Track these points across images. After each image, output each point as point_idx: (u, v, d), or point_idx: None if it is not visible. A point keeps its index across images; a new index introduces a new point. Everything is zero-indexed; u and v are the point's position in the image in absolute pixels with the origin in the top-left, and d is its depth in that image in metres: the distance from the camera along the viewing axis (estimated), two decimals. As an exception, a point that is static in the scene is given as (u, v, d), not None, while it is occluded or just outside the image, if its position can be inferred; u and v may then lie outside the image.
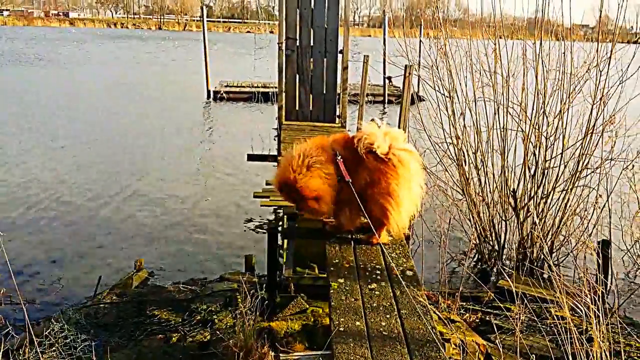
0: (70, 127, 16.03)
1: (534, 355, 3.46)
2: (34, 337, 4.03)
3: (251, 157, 9.72)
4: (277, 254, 5.39)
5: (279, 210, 8.09)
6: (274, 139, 10.92)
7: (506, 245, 7.18)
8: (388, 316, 3.45)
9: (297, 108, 10.21)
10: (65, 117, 17.33)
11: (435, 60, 7.24)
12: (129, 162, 12.47)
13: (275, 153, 9.36)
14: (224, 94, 21.91)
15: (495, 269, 6.79)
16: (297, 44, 9.57)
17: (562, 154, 6.90)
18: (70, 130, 15.54)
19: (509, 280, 5.35)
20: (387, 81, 19.75)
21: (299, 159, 3.89)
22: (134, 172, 11.78)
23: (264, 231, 6.30)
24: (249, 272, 6.65)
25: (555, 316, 3.29)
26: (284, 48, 9.48)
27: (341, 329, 3.35)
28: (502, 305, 4.62)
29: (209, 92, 22.16)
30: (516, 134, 7.23)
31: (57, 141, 14.26)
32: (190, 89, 23.44)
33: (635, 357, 4.32)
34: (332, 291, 4.12)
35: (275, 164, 8.98)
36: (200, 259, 7.61)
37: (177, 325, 5.30)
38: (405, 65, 6.55)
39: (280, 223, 6.01)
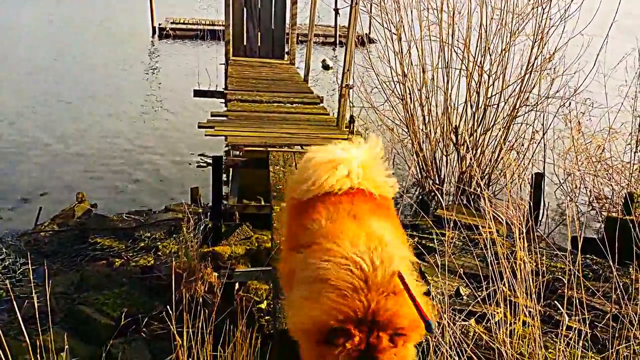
0: (4, 65, 15.22)
1: (461, 270, 3.68)
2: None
3: (197, 93, 9.55)
4: (222, 182, 5.42)
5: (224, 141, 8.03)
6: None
7: (446, 180, 7.43)
8: (328, 236, 3.57)
9: (244, 43, 10.06)
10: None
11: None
12: (71, 99, 12.02)
13: (222, 89, 9.22)
14: (170, 31, 21.08)
15: (435, 201, 7.04)
16: (245, -25, 9.33)
17: (502, 91, 7.11)
18: (4, 68, 14.79)
19: (446, 209, 5.57)
20: (336, 16, 19.26)
21: None
22: (77, 108, 11.40)
23: (210, 162, 6.28)
24: (194, 204, 6.65)
25: (484, 238, 3.47)
26: (231, -21, 9.22)
27: (282, 247, 3.44)
28: (438, 232, 4.82)
29: (154, 29, 21.27)
30: (460, 72, 7.36)
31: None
32: (134, 25, 22.42)
33: (559, 276, 4.65)
34: (274, 214, 4.22)
35: (222, 99, 8.81)
36: (145, 192, 7.55)
37: (120, 251, 5.30)
38: (352, -5, 6.49)
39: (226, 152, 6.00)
